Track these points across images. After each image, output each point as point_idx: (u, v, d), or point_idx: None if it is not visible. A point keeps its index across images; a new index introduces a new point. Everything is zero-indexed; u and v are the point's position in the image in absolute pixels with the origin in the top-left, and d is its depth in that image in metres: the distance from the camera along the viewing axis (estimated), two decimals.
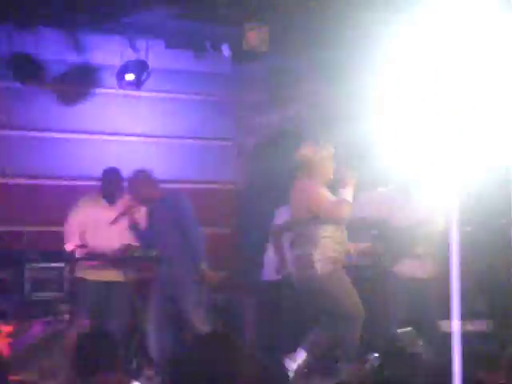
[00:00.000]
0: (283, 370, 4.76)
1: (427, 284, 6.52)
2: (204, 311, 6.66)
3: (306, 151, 5.79)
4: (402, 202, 6.69)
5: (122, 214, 6.76)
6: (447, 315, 6.89)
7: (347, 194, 5.74)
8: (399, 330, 5.96)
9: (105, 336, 3.77)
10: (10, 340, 6.12)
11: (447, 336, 5.63)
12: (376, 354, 5.62)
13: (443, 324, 7.01)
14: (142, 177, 6.95)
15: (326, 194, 5.75)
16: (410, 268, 6.69)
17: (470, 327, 7.46)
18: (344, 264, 5.79)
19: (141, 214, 6.89)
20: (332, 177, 5.82)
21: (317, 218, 5.70)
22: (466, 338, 5.63)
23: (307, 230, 5.73)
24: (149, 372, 6.72)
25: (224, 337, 3.44)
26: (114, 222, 6.76)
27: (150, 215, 6.81)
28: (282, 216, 8.16)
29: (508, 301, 7.26)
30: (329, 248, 5.70)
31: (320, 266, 5.66)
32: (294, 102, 9.12)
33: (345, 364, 5.79)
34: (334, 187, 5.89)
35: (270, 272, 8.25)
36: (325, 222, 5.70)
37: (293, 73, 8.73)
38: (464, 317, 7.44)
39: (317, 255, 5.67)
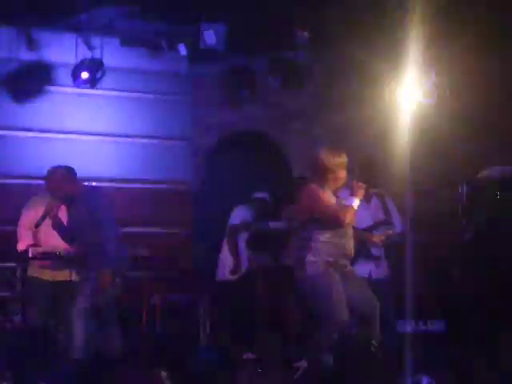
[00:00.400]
0: None
1: (382, 285, 6.57)
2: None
3: (321, 156, 5.78)
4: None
5: (45, 214, 6.61)
6: (401, 316, 7.00)
7: (354, 202, 5.77)
8: (354, 331, 5.99)
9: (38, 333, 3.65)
10: None
11: (401, 336, 5.70)
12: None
13: (398, 324, 7.09)
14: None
15: (331, 199, 5.75)
16: (365, 269, 6.74)
17: (423, 328, 7.54)
18: (340, 268, 5.79)
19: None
20: (341, 185, 5.83)
21: (317, 221, 5.71)
22: (419, 338, 5.70)
23: (306, 232, 5.75)
24: None
25: None
26: (38, 224, 6.63)
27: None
28: (238, 216, 8.17)
29: (459, 302, 7.35)
30: (323, 252, 5.71)
31: (309, 268, 5.68)
32: (251, 101, 9.12)
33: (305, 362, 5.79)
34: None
35: (223, 272, 8.24)
36: (324, 227, 5.72)
37: (250, 72, 8.72)
38: (417, 317, 7.56)
39: (310, 257, 5.69)
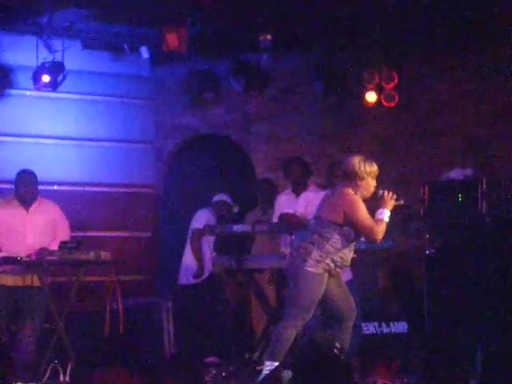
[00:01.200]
0: None
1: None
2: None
3: (356, 163, 5.75)
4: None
5: None
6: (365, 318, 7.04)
7: (385, 215, 5.75)
8: (317, 333, 6.01)
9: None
10: None
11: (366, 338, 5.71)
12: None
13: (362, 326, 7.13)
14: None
15: (365, 210, 5.72)
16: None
17: (386, 329, 7.59)
18: (332, 274, 5.80)
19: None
20: (370, 194, 5.80)
21: (342, 226, 5.68)
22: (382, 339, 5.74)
23: (324, 231, 5.72)
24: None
25: None
26: None
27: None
28: (200, 220, 8.14)
29: (421, 303, 7.41)
30: (330, 257, 5.72)
31: (311, 264, 5.67)
32: (214, 104, 9.12)
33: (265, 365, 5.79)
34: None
35: (186, 276, 8.22)
36: (343, 234, 5.71)
37: (213, 75, 8.71)
38: (381, 319, 7.60)
39: (316, 255, 5.68)
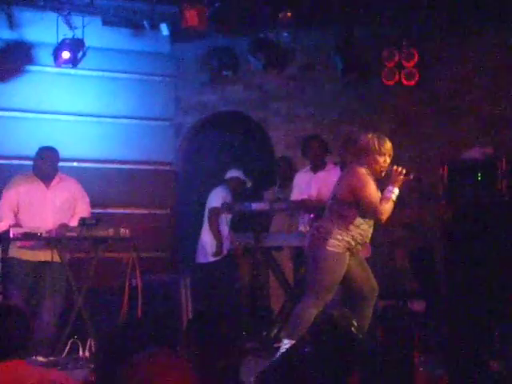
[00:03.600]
0: None
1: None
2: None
3: (372, 140, 5.71)
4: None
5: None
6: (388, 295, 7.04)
7: (394, 192, 5.71)
8: (334, 311, 6.01)
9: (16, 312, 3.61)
10: None
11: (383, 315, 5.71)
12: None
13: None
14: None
15: (373, 188, 5.68)
16: None
17: (405, 307, 7.59)
18: (354, 251, 5.78)
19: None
20: (383, 173, 5.74)
21: (357, 204, 5.67)
22: (400, 317, 5.70)
23: (341, 209, 5.70)
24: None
25: None
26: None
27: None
28: (217, 198, 8.15)
29: (439, 282, 7.41)
30: (350, 235, 5.70)
31: (332, 243, 5.66)
32: (233, 82, 9.10)
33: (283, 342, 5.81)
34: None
35: (204, 254, 8.24)
36: (361, 212, 5.70)
37: (232, 53, 8.69)
38: (398, 296, 7.60)
39: (337, 234, 5.66)
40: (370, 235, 5.82)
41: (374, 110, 8.65)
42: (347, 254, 5.74)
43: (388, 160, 5.73)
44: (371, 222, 5.78)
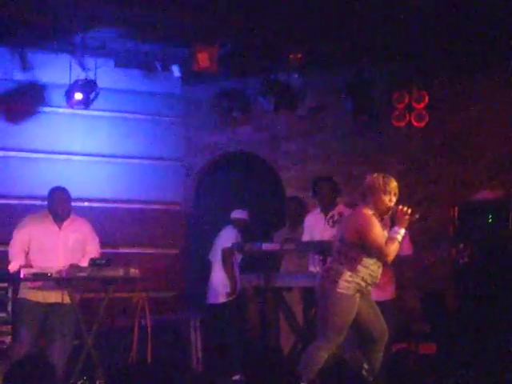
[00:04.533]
0: None
1: (381, 307, 6.63)
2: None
3: (378, 179, 5.75)
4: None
5: None
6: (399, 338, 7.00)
7: (400, 233, 5.72)
8: (347, 354, 5.99)
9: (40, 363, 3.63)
10: None
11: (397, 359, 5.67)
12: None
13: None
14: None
15: (379, 229, 5.70)
16: None
17: (417, 349, 7.54)
18: (365, 292, 5.78)
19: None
20: (388, 210, 5.76)
21: (363, 245, 5.69)
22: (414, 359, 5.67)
23: (349, 251, 5.72)
24: None
25: None
26: None
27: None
28: (228, 238, 8.15)
29: (452, 325, 7.36)
30: (360, 276, 5.71)
31: (343, 285, 5.66)
32: (243, 123, 9.15)
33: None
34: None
35: (215, 295, 8.21)
36: (368, 254, 5.71)
37: (242, 94, 8.76)
38: (412, 339, 7.55)
39: (347, 276, 5.67)
40: (379, 275, 5.81)
41: (384, 152, 8.68)
42: (357, 295, 5.73)
43: (394, 199, 5.74)
44: (380, 263, 5.78)
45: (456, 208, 7.40)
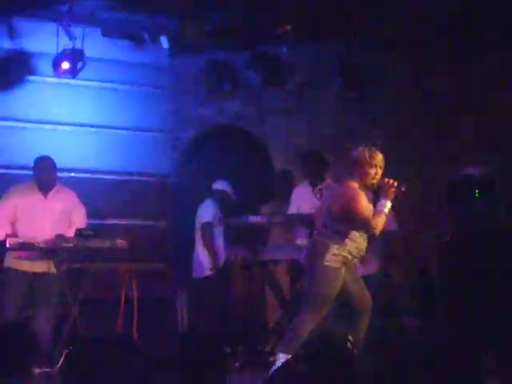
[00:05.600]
0: None
1: (367, 281, 6.67)
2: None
3: (364, 153, 5.75)
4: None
5: None
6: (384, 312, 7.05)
7: (386, 206, 5.73)
8: (331, 327, 6.01)
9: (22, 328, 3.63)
10: None
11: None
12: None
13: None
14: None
15: (365, 202, 5.71)
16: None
17: (402, 324, 7.59)
18: (350, 265, 5.80)
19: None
20: (374, 182, 5.76)
21: (350, 218, 5.70)
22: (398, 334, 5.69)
23: (336, 224, 5.72)
24: None
25: None
26: None
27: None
28: (208, 212, 8.13)
29: (436, 300, 7.41)
30: (347, 249, 5.73)
31: (329, 258, 5.67)
32: (231, 96, 9.11)
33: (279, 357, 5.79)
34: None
35: (200, 269, 8.22)
36: (355, 227, 5.72)
37: (231, 67, 8.71)
38: (397, 314, 7.60)
39: (333, 249, 5.68)
40: (364, 248, 5.84)
41: (373, 127, 8.67)
42: (343, 268, 5.75)
43: (379, 172, 5.76)
44: (365, 236, 5.80)
45: (446, 183, 7.43)
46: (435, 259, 7.59)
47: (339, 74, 8.38)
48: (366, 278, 6.82)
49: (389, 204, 5.72)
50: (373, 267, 6.92)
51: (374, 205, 5.76)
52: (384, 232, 6.68)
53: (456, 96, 8.42)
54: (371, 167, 5.73)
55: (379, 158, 5.77)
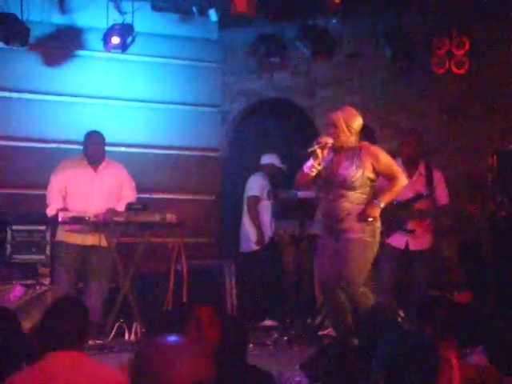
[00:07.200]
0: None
1: (419, 256, 6.65)
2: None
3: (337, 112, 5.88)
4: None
5: None
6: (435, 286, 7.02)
7: (307, 164, 5.86)
8: (381, 301, 5.99)
9: (76, 302, 3.68)
10: None
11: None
12: None
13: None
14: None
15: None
16: (401, 240, 6.76)
17: (452, 298, 7.52)
18: (335, 234, 5.80)
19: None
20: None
21: (374, 183, 5.73)
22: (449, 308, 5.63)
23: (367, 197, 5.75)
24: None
25: None
26: None
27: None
28: (256, 186, 8.13)
29: (487, 275, 7.33)
30: (321, 213, 5.77)
31: (317, 226, 5.70)
32: (281, 69, 9.06)
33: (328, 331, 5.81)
34: None
35: (247, 243, 8.23)
36: (376, 192, 5.76)
37: (280, 39, 8.65)
38: (447, 288, 7.53)
39: (319, 216, 5.71)
40: (342, 208, 5.78)
41: (423, 99, 8.55)
42: (325, 237, 5.85)
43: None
44: (334, 194, 5.82)
45: (495, 157, 7.30)
46: (487, 233, 7.49)
47: (388, 45, 8.26)
48: (418, 252, 6.80)
49: (310, 162, 5.79)
50: (425, 242, 6.87)
51: None
52: (436, 207, 6.65)
53: (507, 67, 8.25)
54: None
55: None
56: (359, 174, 5.72)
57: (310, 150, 5.77)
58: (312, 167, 5.75)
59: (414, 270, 6.88)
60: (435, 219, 7.00)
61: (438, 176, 6.95)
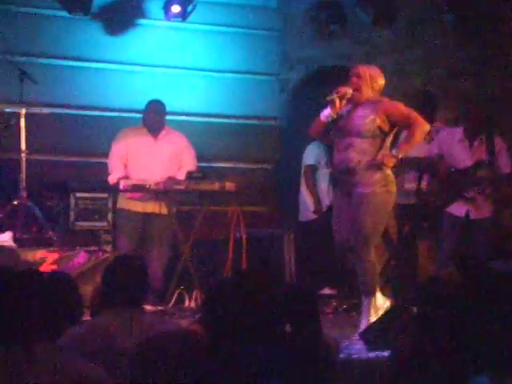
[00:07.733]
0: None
1: (479, 225, 6.55)
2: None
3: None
4: (464, 143, 6.68)
5: None
6: (497, 255, 6.94)
7: (324, 112, 5.89)
8: (442, 270, 5.96)
9: (136, 260, 3.73)
10: (54, 267, 6.22)
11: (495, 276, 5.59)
12: None
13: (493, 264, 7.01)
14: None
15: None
16: (461, 209, 6.69)
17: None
18: (346, 187, 5.72)
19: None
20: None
21: (385, 136, 5.66)
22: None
23: (371, 140, 5.67)
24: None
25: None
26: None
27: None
28: (311, 155, 8.11)
29: None
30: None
31: (361, 177, 5.63)
32: (340, 37, 8.98)
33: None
34: None
35: (305, 212, 8.23)
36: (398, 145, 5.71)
37: (340, 7, 8.57)
38: (508, 257, 7.44)
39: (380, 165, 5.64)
40: (352, 159, 5.66)
41: (487, 67, 8.39)
42: (337, 187, 5.85)
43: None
44: (344, 143, 5.73)
45: None
46: None
47: (451, 9, 8.11)
48: (478, 221, 6.72)
49: (327, 111, 5.76)
50: (485, 211, 6.78)
51: None
52: (497, 176, 6.54)
53: None
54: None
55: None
56: (369, 119, 5.59)
57: (328, 99, 5.71)
58: (328, 116, 5.71)
59: (474, 238, 6.80)
60: (496, 188, 6.91)
61: (500, 144, 6.84)
